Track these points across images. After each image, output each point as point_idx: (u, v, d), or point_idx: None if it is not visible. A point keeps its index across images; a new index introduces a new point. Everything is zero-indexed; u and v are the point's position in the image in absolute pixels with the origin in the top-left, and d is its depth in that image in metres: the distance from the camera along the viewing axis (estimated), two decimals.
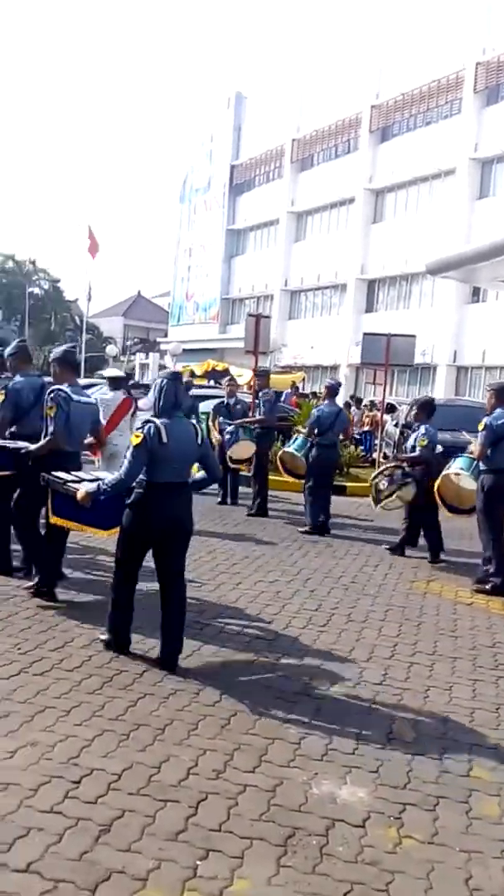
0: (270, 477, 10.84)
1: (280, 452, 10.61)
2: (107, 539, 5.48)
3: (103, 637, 4.76)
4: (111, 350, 44.82)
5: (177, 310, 52.42)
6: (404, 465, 8.33)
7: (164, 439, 4.42)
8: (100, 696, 4.06)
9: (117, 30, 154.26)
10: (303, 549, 8.24)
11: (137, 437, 4.45)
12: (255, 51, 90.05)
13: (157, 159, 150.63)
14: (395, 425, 16.05)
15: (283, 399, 18.85)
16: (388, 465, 8.94)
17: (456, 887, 2.80)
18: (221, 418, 11.04)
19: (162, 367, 36.18)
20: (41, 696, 3.98)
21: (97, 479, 4.90)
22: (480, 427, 7.03)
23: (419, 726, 4.08)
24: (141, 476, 4.49)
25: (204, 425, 13.39)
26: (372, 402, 20.59)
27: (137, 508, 4.55)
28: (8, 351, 6.34)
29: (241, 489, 11.04)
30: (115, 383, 9.83)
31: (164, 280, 61.82)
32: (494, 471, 7.00)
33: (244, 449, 10.40)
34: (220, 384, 14.65)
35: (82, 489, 4.77)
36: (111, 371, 10.88)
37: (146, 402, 9.88)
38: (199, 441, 4.66)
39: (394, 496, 8.25)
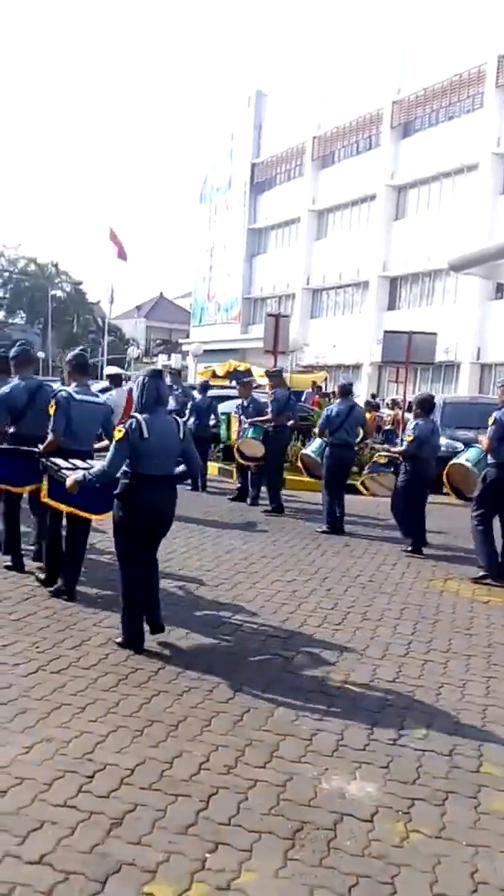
0: (290, 477, 10.89)
1: (301, 454, 10.74)
2: None
3: (118, 640, 4.85)
4: (133, 352, 45.02)
5: (198, 310, 52.51)
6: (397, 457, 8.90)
7: (145, 434, 4.62)
8: (115, 694, 4.13)
9: (137, 31, 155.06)
10: (321, 549, 8.27)
11: (119, 431, 4.67)
12: (276, 48, 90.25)
13: (177, 159, 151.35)
14: None
15: (303, 399, 18.86)
16: (381, 453, 9.92)
17: (461, 881, 2.83)
18: (243, 418, 11.17)
19: (184, 367, 36.33)
20: (58, 693, 4.07)
21: (90, 468, 5.17)
22: (490, 421, 7.21)
23: (431, 723, 4.11)
24: (126, 468, 4.70)
25: (224, 426, 13.60)
26: (394, 400, 20.55)
27: (125, 499, 4.75)
28: (11, 354, 6.48)
29: (263, 489, 11.07)
30: (115, 381, 9.99)
31: (185, 281, 62.15)
32: (500, 465, 7.10)
33: (250, 447, 10.56)
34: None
35: (72, 478, 5.04)
36: (110, 369, 11.09)
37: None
38: (181, 436, 4.84)
39: (365, 477, 9.79)
